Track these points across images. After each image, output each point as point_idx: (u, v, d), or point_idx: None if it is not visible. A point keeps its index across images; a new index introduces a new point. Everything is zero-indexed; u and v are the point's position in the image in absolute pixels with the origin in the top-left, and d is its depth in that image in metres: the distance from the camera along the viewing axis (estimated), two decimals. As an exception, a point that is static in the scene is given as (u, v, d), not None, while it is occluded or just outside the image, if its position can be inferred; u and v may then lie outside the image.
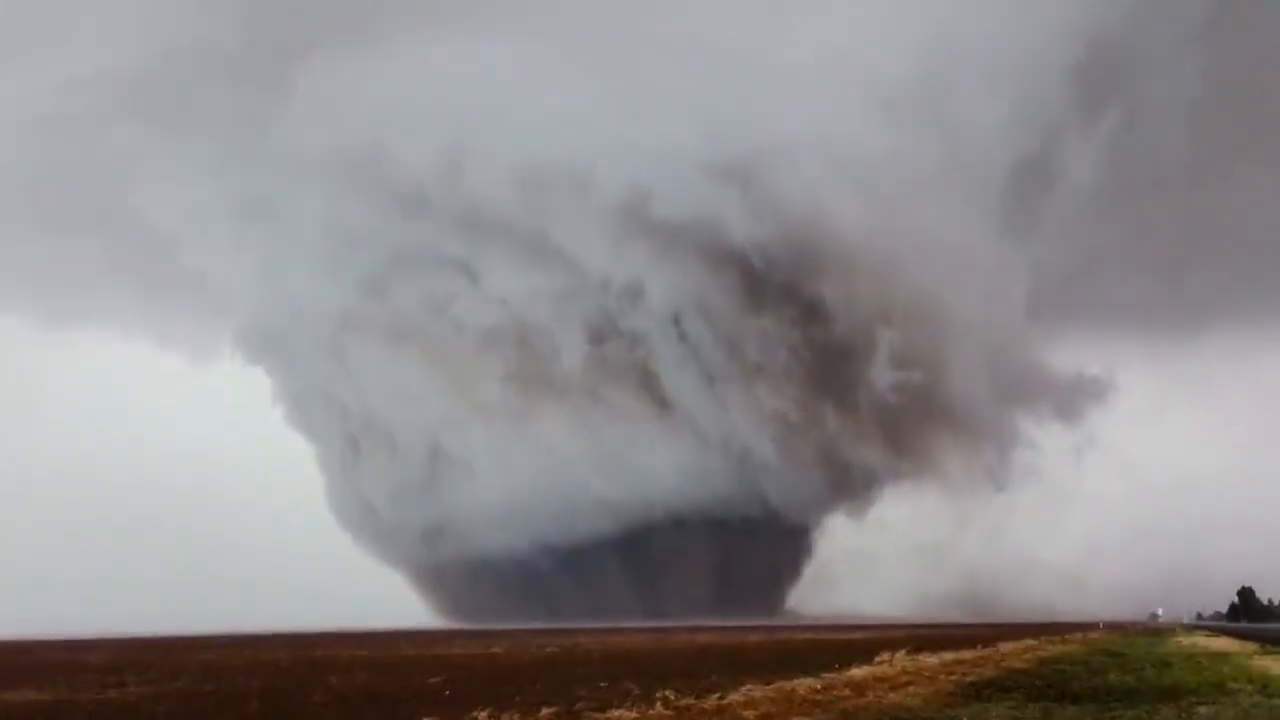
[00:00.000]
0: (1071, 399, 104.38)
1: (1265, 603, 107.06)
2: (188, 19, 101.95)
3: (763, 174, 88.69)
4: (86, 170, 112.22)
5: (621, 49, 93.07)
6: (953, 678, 22.82)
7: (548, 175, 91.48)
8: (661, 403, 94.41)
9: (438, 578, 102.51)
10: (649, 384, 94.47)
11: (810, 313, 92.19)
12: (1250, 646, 39.23)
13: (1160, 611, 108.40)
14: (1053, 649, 36.96)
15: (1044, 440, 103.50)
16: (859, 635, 50.04)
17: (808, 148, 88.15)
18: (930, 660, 27.57)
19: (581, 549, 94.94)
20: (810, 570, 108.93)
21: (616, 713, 15.14)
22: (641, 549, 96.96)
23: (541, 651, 36.55)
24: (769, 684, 19.67)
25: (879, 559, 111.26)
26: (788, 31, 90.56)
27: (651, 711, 15.30)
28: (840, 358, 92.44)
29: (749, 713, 15.53)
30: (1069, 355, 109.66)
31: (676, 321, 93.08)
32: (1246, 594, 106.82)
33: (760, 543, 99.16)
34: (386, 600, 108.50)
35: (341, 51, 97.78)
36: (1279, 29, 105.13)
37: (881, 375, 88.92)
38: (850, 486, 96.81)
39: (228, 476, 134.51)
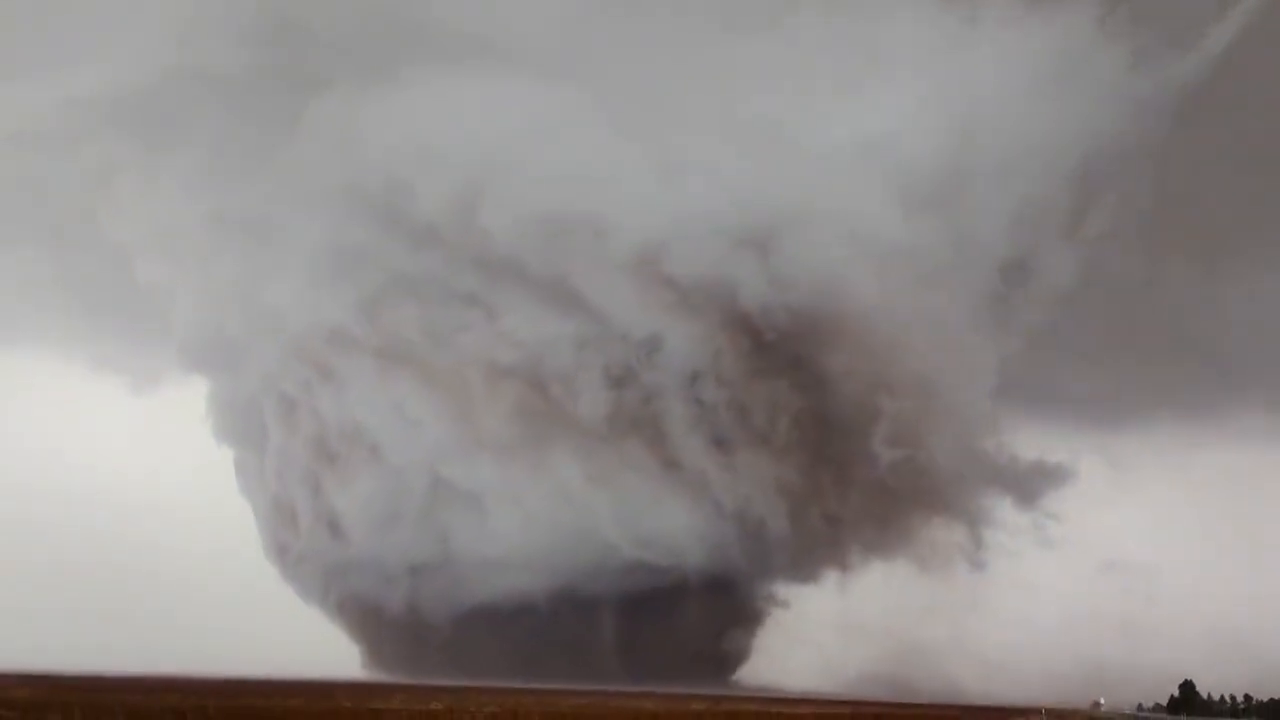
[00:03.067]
0: (1030, 486, 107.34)
1: (1205, 697, 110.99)
2: (204, 47, 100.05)
3: (782, 244, 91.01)
4: (59, 184, 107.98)
5: (653, 106, 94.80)
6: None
7: (568, 222, 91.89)
8: (671, 460, 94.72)
9: (410, 620, 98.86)
10: (660, 440, 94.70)
11: (814, 384, 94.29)
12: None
13: (1103, 700, 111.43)
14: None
15: (1003, 524, 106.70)
16: (803, 710, 50.21)
17: (828, 224, 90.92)
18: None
19: (583, 601, 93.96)
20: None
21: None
22: (640, 607, 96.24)
23: (481, 711, 35.67)
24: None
25: (815, 632, 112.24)
26: (820, 112, 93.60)
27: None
28: (841, 431, 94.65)
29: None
30: (1027, 444, 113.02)
31: (693, 381, 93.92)
32: (1187, 687, 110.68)
33: (747, 610, 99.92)
34: (323, 647, 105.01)
35: (361, 86, 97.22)
36: (1227, 146, 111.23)
37: (883, 451, 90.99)
38: (840, 558, 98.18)
39: (157, 509, 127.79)
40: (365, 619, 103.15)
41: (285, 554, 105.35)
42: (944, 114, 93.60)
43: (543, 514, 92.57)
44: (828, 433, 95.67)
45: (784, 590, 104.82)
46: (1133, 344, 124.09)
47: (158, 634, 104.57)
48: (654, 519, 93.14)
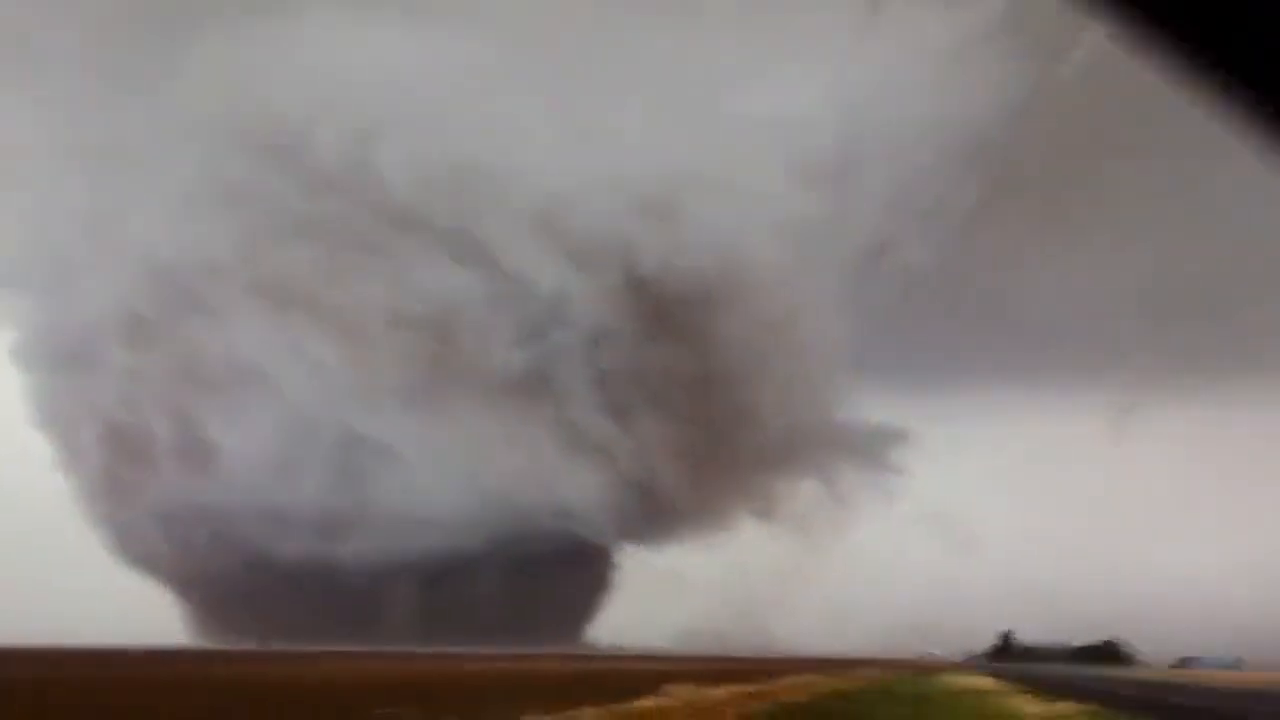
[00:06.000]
0: (876, 449, 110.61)
1: (1025, 646, 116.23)
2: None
3: (681, 209, 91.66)
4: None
5: (562, 66, 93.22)
6: (734, 710, 24.66)
7: (470, 175, 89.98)
8: (573, 421, 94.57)
9: (310, 569, 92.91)
10: (567, 400, 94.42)
11: (708, 350, 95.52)
12: (1009, 686, 43.56)
13: (936, 650, 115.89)
14: (828, 684, 39.68)
15: (851, 485, 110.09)
16: (646, 666, 51.77)
17: (726, 192, 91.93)
18: (715, 693, 29.52)
19: (494, 558, 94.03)
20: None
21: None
22: (537, 566, 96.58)
23: (321, 675, 35.76)
24: (552, 714, 20.04)
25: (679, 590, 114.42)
26: (728, 88, 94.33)
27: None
28: (729, 397, 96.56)
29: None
30: (875, 410, 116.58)
31: (595, 344, 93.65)
32: (1008, 636, 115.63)
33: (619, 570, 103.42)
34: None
35: (251, 18, 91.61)
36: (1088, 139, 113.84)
37: (774, 417, 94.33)
38: (723, 519, 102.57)
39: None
40: (232, 566, 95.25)
41: (120, 490, 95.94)
42: (844, 98, 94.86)
43: (467, 470, 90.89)
44: (717, 398, 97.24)
45: (660, 552, 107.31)
46: (969, 319, 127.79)
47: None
48: (561, 481, 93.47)
